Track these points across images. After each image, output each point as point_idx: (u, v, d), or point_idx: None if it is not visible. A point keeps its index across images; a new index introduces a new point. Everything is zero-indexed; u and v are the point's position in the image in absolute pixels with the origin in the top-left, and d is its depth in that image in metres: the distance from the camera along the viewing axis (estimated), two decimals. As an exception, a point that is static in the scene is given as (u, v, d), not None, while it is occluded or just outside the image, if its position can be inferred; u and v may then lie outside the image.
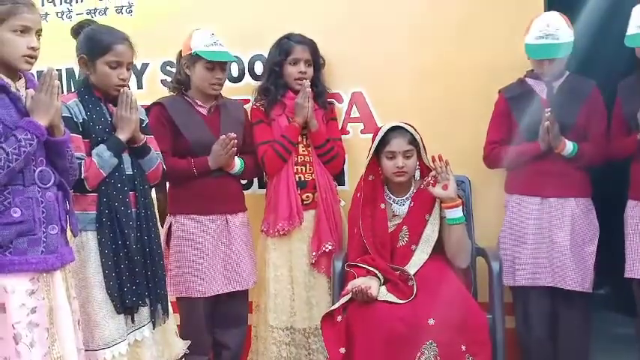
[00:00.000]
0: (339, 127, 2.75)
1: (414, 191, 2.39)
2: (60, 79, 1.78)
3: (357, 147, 2.72)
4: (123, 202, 2.01)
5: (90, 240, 1.98)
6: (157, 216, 2.22)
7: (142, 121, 2.14)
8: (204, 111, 2.49)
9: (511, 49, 2.48)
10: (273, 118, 2.59)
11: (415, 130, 2.35)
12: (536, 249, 2.45)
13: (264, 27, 2.75)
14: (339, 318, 2.16)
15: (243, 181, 2.65)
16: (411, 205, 2.37)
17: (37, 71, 1.92)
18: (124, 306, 1.99)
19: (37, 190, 1.71)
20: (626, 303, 2.59)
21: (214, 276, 2.41)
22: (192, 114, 2.47)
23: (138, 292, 2.02)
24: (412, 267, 2.24)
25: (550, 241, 2.43)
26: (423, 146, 2.36)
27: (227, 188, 2.48)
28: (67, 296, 1.78)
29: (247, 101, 2.73)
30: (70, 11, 3.05)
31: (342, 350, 2.11)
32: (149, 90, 2.91)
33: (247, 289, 2.54)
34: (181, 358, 2.28)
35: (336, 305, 2.20)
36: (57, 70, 1.79)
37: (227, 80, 2.57)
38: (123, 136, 2.03)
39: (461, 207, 2.28)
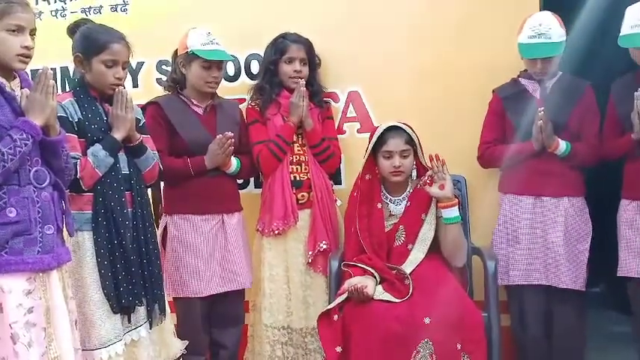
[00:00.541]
0: (336, 127, 2.75)
1: (411, 191, 2.40)
2: (54, 78, 1.76)
3: (354, 146, 2.72)
4: (119, 202, 2.00)
5: (86, 240, 1.98)
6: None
7: (138, 120, 2.13)
8: (199, 110, 2.48)
9: (510, 50, 2.48)
10: (268, 118, 2.58)
11: (412, 129, 2.35)
12: (530, 248, 2.46)
13: (261, 26, 2.74)
14: (336, 317, 2.17)
15: (239, 181, 2.65)
16: (408, 204, 2.37)
17: (32, 70, 1.90)
18: (121, 306, 1.99)
19: (33, 190, 1.71)
20: (621, 301, 2.60)
21: (211, 276, 2.40)
22: (188, 113, 2.46)
23: (134, 291, 2.01)
24: (408, 266, 2.25)
25: (544, 240, 2.44)
26: (420, 146, 2.37)
27: (223, 188, 2.47)
28: (64, 296, 1.78)
29: (243, 100, 2.73)
30: (64, 9, 3.03)
31: (339, 349, 2.12)
32: (144, 89, 2.90)
33: (244, 289, 2.54)
34: (179, 358, 2.28)
35: (333, 304, 2.21)
36: (51, 68, 1.78)
37: (223, 79, 2.56)
38: (118, 135, 2.02)
39: (457, 206, 2.29)
